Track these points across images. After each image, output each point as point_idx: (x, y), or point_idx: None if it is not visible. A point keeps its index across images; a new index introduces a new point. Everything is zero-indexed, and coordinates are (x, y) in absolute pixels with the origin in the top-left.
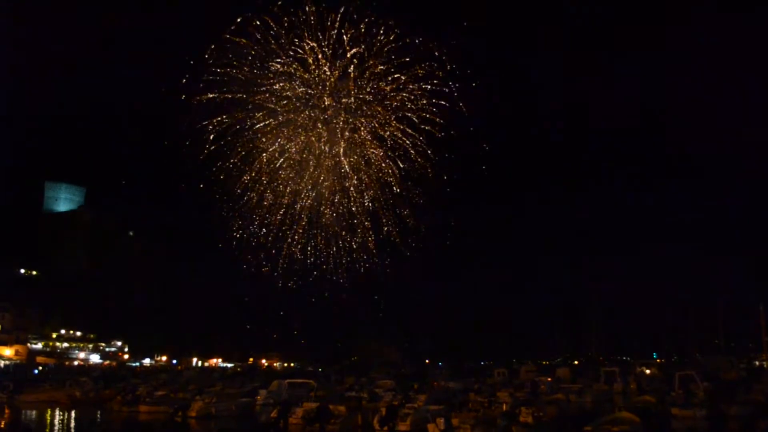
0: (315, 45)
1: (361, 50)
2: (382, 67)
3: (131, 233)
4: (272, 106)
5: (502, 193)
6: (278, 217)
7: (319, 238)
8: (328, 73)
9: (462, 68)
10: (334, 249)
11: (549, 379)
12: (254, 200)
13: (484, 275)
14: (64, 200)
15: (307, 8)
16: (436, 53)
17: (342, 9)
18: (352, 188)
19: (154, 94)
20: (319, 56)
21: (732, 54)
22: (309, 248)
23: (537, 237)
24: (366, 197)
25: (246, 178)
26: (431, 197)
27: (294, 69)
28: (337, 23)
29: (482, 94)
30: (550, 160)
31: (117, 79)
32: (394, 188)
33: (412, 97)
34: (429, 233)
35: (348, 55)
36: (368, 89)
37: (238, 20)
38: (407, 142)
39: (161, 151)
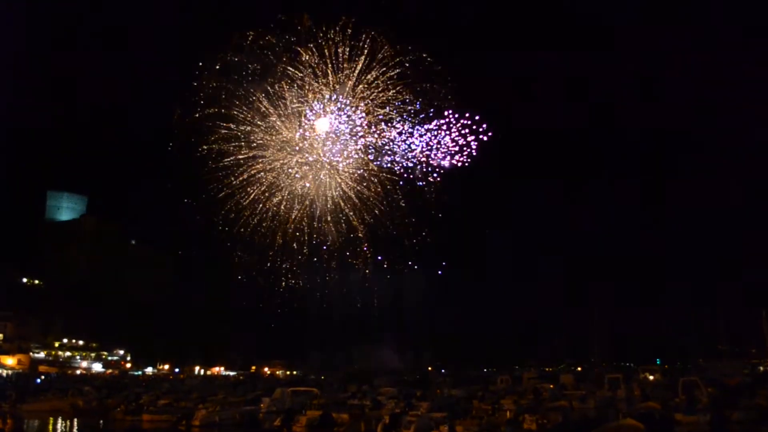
0: (314, 61)
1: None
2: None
3: (133, 242)
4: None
5: (504, 200)
6: (279, 232)
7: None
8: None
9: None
10: (335, 263)
11: (551, 385)
12: (252, 217)
13: (488, 281)
14: (66, 209)
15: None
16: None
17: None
18: (353, 200)
19: (155, 104)
20: (319, 73)
21: None
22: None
23: (540, 242)
24: (367, 207)
25: (249, 191)
26: (433, 206)
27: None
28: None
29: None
30: (553, 169)
31: (119, 90)
32: (397, 201)
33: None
34: (432, 241)
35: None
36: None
37: (238, 36)
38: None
39: (162, 160)
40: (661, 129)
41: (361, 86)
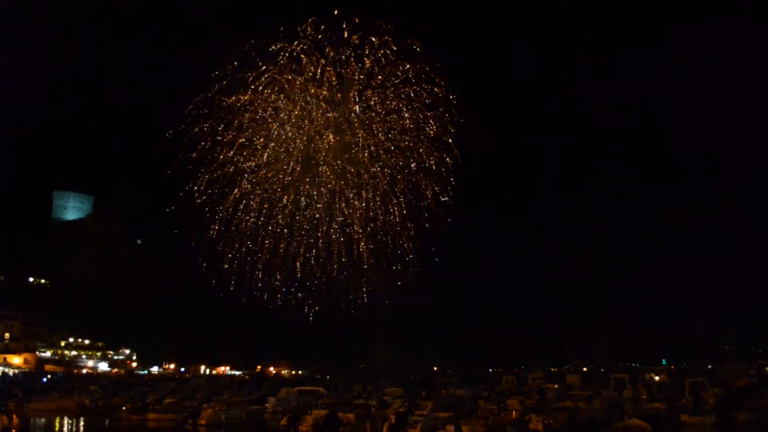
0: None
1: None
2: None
3: (139, 241)
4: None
5: (511, 203)
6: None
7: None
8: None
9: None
10: (341, 259)
11: (556, 386)
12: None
13: (493, 282)
14: (72, 209)
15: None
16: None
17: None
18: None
19: (162, 103)
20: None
21: None
22: (312, 260)
23: (544, 244)
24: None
25: (257, 194)
26: (439, 203)
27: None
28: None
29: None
30: (555, 171)
31: (125, 88)
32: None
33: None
34: (437, 241)
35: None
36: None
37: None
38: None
39: (169, 160)
40: (662, 128)
41: (368, 91)
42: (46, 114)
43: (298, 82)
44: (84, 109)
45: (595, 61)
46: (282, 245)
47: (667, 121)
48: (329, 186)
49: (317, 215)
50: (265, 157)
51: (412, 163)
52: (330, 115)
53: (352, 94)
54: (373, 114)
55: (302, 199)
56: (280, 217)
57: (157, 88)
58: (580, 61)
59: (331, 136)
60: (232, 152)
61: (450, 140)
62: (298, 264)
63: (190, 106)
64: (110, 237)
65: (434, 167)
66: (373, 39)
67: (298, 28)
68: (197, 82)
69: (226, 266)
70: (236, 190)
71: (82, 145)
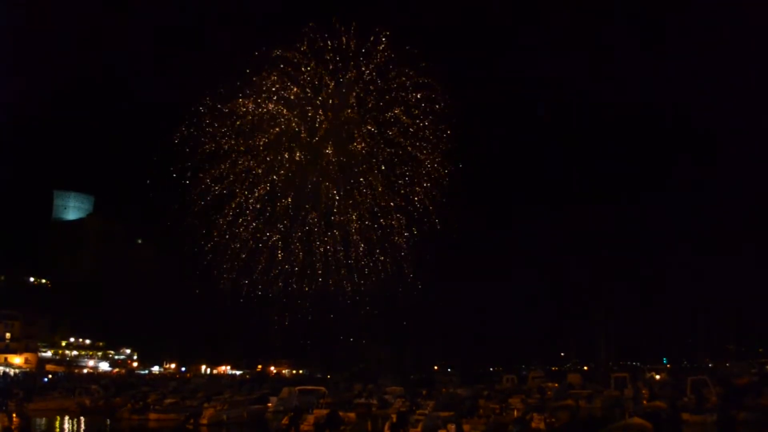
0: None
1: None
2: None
3: (139, 241)
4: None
5: (511, 199)
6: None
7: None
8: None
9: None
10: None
11: (555, 384)
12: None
13: (493, 280)
14: (72, 209)
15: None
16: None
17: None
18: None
19: (162, 102)
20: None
21: None
22: (314, 256)
23: (545, 241)
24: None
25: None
26: (439, 202)
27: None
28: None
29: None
30: (554, 171)
31: (125, 87)
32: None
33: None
34: (436, 239)
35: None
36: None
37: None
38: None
39: (169, 159)
40: (662, 128)
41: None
42: (46, 114)
43: (296, 89)
44: (84, 109)
45: (595, 61)
46: (279, 251)
47: (666, 121)
48: (328, 188)
49: (315, 220)
50: (264, 161)
51: (409, 172)
52: (326, 123)
53: (350, 101)
54: (371, 120)
55: (301, 204)
56: (279, 221)
57: (158, 88)
58: (579, 61)
59: (329, 145)
60: (231, 157)
61: (449, 142)
62: (297, 266)
63: (187, 114)
64: (110, 237)
65: (434, 168)
66: (369, 44)
67: (296, 37)
68: (197, 83)
69: (223, 279)
70: (237, 193)
71: (82, 145)
